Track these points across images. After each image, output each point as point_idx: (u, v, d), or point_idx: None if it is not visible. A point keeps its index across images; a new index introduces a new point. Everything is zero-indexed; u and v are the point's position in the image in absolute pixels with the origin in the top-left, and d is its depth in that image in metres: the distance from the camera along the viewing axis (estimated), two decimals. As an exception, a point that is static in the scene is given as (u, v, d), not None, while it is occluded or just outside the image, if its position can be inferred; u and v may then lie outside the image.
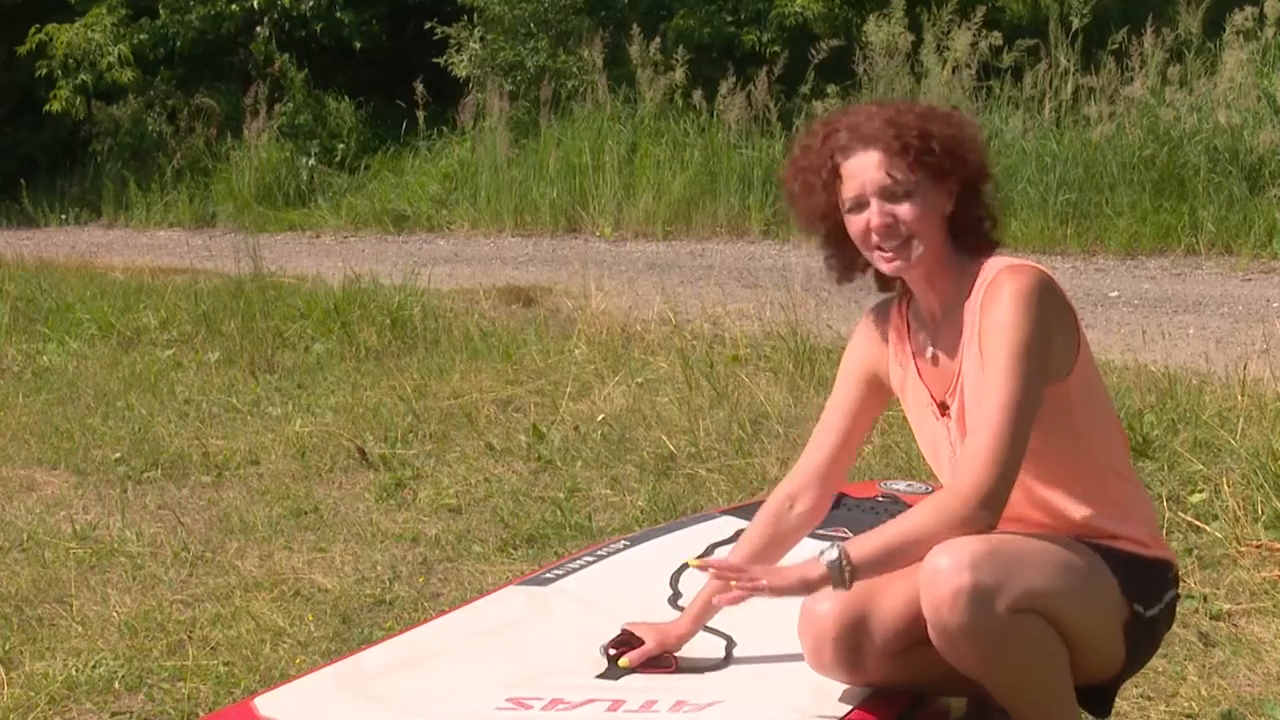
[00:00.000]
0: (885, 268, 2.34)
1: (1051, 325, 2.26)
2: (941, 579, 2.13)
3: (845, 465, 2.56)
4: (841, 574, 2.18)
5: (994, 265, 2.32)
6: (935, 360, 2.40)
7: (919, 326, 2.43)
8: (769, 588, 2.23)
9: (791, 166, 2.42)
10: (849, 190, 2.32)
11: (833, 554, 2.18)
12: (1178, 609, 3.41)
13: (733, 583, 2.26)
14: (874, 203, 2.29)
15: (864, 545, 2.20)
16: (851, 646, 2.27)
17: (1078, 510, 2.33)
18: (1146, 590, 2.31)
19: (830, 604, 2.32)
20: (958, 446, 2.35)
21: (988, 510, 2.19)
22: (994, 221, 2.40)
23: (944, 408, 2.38)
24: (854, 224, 2.33)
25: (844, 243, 2.40)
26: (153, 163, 14.34)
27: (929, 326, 2.41)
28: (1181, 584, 3.55)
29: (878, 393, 2.51)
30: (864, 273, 2.46)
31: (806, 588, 2.22)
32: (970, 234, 2.36)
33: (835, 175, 2.33)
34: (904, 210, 2.29)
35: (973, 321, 2.30)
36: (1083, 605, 2.23)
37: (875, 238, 2.31)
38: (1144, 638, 2.34)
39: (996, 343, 2.23)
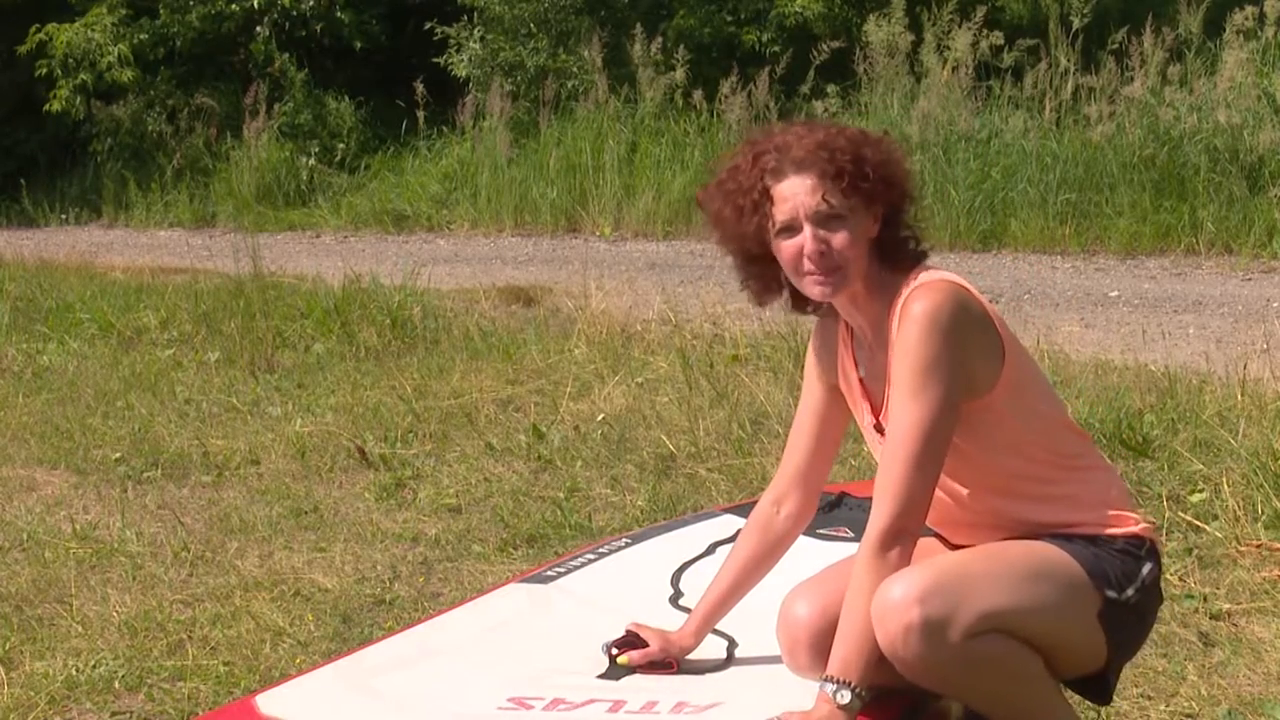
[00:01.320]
0: (814, 293, 2.30)
1: (964, 344, 2.23)
2: (891, 615, 2.13)
3: (825, 465, 2.56)
4: (857, 698, 2.16)
5: (911, 284, 2.28)
6: (873, 379, 2.40)
7: (857, 345, 2.43)
8: None
9: (717, 188, 2.37)
10: (781, 214, 2.27)
11: (830, 687, 2.16)
12: (1178, 608, 3.45)
13: None
14: (807, 228, 2.26)
15: (846, 659, 2.18)
16: (826, 649, 2.26)
17: (1025, 514, 2.33)
18: (1117, 574, 2.29)
19: (807, 607, 2.33)
20: None
21: (899, 545, 2.20)
22: (918, 240, 2.37)
23: (881, 429, 2.38)
24: (785, 249, 2.29)
25: (765, 265, 2.36)
26: (153, 163, 14.34)
27: (864, 346, 2.40)
28: (1171, 571, 3.57)
29: (841, 398, 2.51)
30: (780, 295, 2.43)
31: None
32: (895, 254, 2.34)
33: (766, 198, 2.28)
34: (838, 238, 2.26)
35: (893, 341, 2.29)
36: (1046, 610, 2.21)
37: (808, 264, 2.27)
38: (1127, 621, 2.32)
39: (901, 369, 2.23)
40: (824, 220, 2.26)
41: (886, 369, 2.32)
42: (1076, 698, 2.46)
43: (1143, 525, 2.38)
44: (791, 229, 2.28)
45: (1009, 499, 2.34)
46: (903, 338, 2.23)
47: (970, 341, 2.25)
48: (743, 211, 2.31)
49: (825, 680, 2.17)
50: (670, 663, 2.46)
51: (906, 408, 2.21)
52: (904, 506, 2.21)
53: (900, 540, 2.20)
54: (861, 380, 2.42)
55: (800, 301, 2.42)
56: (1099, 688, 2.38)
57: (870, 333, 2.37)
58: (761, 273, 2.39)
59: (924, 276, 2.29)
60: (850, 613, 2.19)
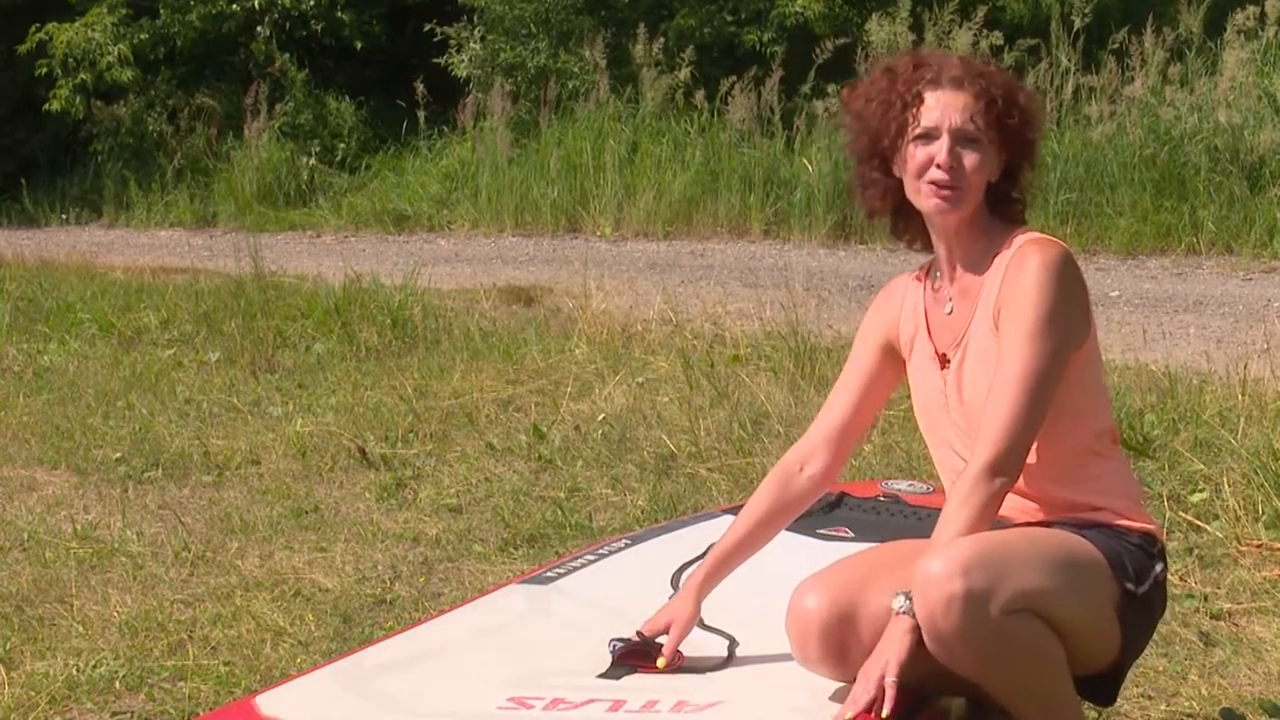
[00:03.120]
0: (930, 203, 2.35)
1: (1071, 299, 2.30)
2: (934, 585, 2.13)
3: (858, 433, 2.58)
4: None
5: (1022, 236, 2.36)
6: (949, 314, 2.44)
7: (935, 284, 2.48)
8: (891, 671, 2.17)
9: (868, 85, 2.44)
10: (927, 119, 2.34)
11: (903, 601, 2.18)
12: (1179, 608, 3.45)
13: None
14: (945, 139, 2.32)
15: None
16: (838, 642, 2.26)
17: (1060, 488, 2.36)
18: (1134, 565, 2.31)
19: (817, 599, 2.32)
20: (952, 400, 2.40)
21: (1004, 477, 2.24)
22: (1024, 204, 2.45)
23: (945, 360, 2.42)
24: (917, 154, 2.34)
25: (887, 174, 2.42)
26: (153, 162, 14.35)
27: (947, 284, 2.45)
28: (1171, 571, 3.58)
29: (892, 359, 2.54)
30: (888, 212, 2.48)
31: (909, 639, 2.18)
32: (1004, 207, 2.42)
33: (917, 99, 2.35)
34: (970, 159, 2.33)
35: (993, 284, 2.35)
36: (1075, 596, 2.23)
37: (935, 172, 2.33)
38: (1139, 617, 2.33)
39: (1017, 310, 2.28)
40: (964, 139, 2.33)
41: (972, 306, 2.37)
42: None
43: (1155, 524, 2.41)
44: (930, 136, 2.34)
45: (1048, 468, 2.36)
46: (1022, 281, 2.28)
47: (1075, 299, 2.32)
48: (890, 107, 2.37)
49: (897, 593, 2.20)
50: (679, 655, 2.45)
51: (1021, 350, 2.25)
52: (1011, 443, 2.24)
53: (1004, 474, 2.23)
54: (931, 318, 2.46)
55: (901, 224, 2.49)
56: (1106, 687, 2.39)
57: (962, 270, 2.42)
58: (880, 180, 2.44)
59: (1034, 234, 2.37)
60: (943, 533, 2.21)
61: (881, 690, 2.16)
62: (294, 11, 14.41)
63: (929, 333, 2.46)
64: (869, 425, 2.63)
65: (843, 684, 2.32)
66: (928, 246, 2.49)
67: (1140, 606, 2.32)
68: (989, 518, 2.23)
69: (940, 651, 2.17)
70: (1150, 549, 2.36)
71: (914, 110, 2.35)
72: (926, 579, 2.14)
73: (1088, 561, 2.27)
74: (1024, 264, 2.30)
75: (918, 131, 2.35)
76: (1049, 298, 2.26)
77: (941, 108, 2.33)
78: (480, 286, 8.64)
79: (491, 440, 5.31)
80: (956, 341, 2.40)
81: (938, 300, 2.46)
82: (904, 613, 2.18)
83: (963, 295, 2.41)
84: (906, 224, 2.49)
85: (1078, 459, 2.37)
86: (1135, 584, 2.30)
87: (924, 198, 2.36)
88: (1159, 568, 2.36)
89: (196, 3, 14.58)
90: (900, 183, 2.40)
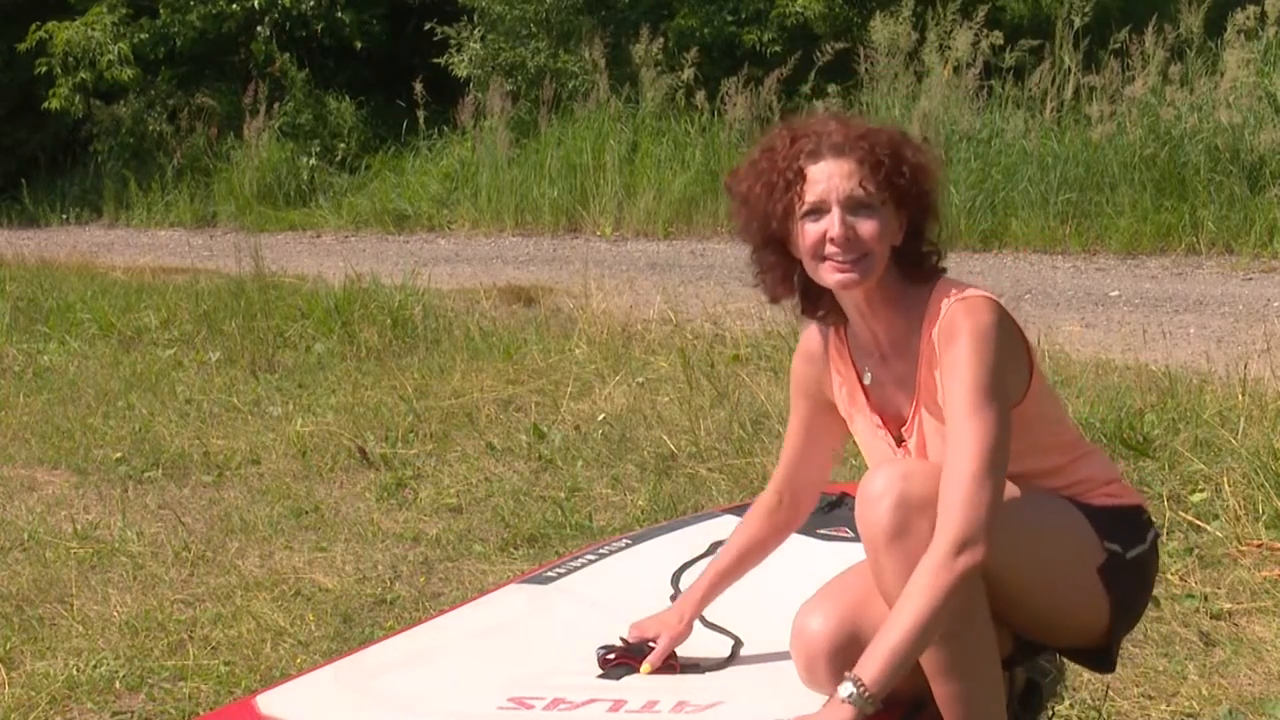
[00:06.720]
0: (833, 279, 2.24)
1: (1006, 358, 2.21)
2: (872, 497, 2.13)
3: (820, 470, 2.54)
4: (867, 704, 2.07)
5: (945, 297, 2.24)
6: (886, 391, 2.35)
7: (861, 354, 2.38)
8: None
9: (749, 167, 2.33)
10: (812, 194, 2.22)
11: (849, 689, 2.08)
12: (1179, 608, 3.45)
13: None
14: (836, 211, 2.21)
15: (874, 663, 2.09)
16: (845, 663, 2.21)
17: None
18: (1120, 530, 2.29)
19: (822, 621, 2.28)
20: None
21: (970, 553, 2.11)
22: (939, 255, 2.33)
23: (900, 441, 2.34)
24: (809, 232, 2.22)
25: (783, 255, 2.32)
26: (153, 162, 14.36)
27: (874, 355, 2.36)
28: (1171, 571, 3.58)
29: (833, 412, 2.47)
30: (793, 294, 2.37)
31: None
32: (916, 266, 2.30)
33: (799, 177, 2.22)
34: (866, 226, 2.21)
35: (929, 355, 2.25)
36: (1043, 551, 2.22)
37: (831, 247, 2.22)
38: (1129, 579, 2.30)
39: (955, 390, 2.18)
40: (855, 207, 2.21)
41: (915, 379, 2.28)
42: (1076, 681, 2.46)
43: (1140, 497, 2.41)
44: (819, 211, 2.22)
45: (1026, 483, 2.33)
46: (955, 355, 2.18)
47: (1010, 355, 2.23)
48: (774, 189, 2.25)
49: (845, 678, 2.10)
50: (673, 664, 2.46)
51: (967, 424, 2.15)
52: (972, 517, 2.11)
53: (969, 548, 2.11)
54: (865, 388, 2.38)
55: (810, 305, 2.38)
56: (1101, 655, 2.36)
57: (886, 342, 2.33)
58: (778, 264, 2.34)
59: (965, 292, 2.25)
60: (897, 617, 2.10)
61: None
62: (294, 11, 14.41)
63: (871, 408, 2.38)
64: (829, 458, 2.55)
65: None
66: (843, 319, 2.38)
67: (1127, 569, 2.28)
68: (955, 598, 2.09)
69: (875, 571, 2.16)
70: (1140, 518, 2.35)
71: (798, 187, 2.22)
72: (867, 489, 2.13)
73: (1064, 520, 2.24)
74: (955, 334, 2.19)
75: (805, 209, 2.22)
76: (983, 369, 2.16)
77: (826, 179, 2.21)
78: (480, 286, 8.64)
79: (491, 440, 5.31)
80: (909, 424, 2.31)
81: (869, 372, 2.36)
82: (847, 701, 2.07)
83: (898, 370, 2.32)
84: (815, 302, 2.37)
85: (1054, 476, 2.33)
86: (1124, 547, 2.28)
87: (826, 274, 2.24)
88: (1150, 533, 2.34)
89: (196, 2, 14.59)
90: (800, 263, 2.29)
